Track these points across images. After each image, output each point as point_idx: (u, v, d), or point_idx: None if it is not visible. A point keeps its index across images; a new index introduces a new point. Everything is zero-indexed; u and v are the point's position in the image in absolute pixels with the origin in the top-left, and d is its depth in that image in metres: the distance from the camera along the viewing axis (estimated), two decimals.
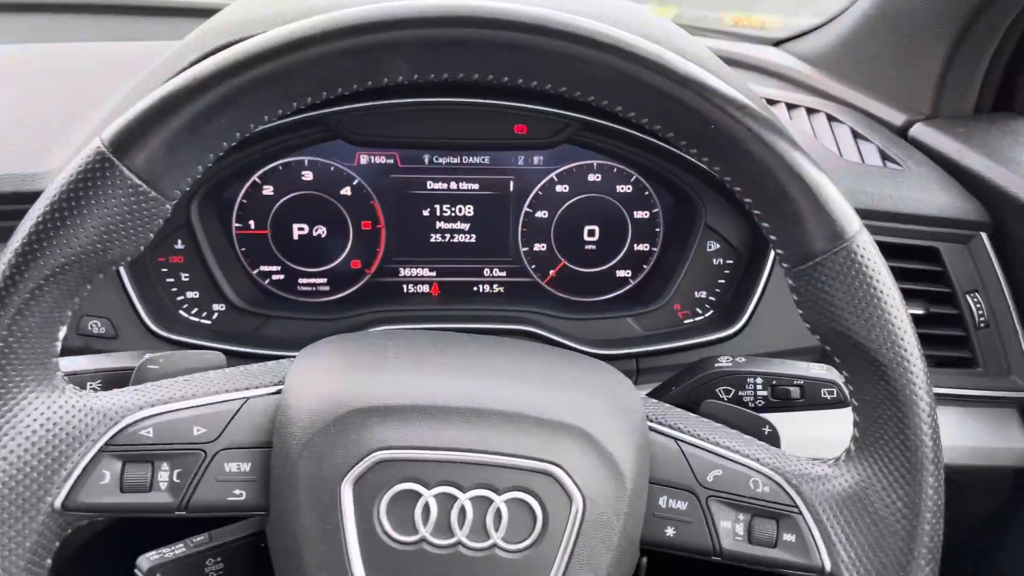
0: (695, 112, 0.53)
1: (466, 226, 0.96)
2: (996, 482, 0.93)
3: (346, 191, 0.93)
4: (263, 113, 0.53)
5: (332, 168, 0.92)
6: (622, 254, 0.98)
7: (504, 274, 0.98)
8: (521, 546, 0.54)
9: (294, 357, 0.62)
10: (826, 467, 0.59)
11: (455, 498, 0.54)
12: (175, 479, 0.56)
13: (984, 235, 0.90)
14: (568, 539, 0.55)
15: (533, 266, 0.98)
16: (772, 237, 0.56)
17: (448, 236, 0.96)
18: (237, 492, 0.57)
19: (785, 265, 0.57)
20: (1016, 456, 0.91)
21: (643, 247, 0.98)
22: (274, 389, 0.59)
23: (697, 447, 0.60)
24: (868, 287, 0.54)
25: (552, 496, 0.55)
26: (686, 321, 0.96)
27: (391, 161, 0.93)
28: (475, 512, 0.54)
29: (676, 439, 0.60)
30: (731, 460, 0.59)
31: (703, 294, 0.96)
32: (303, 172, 0.92)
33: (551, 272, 0.98)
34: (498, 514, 0.54)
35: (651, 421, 0.61)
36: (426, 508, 0.54)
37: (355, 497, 0.54)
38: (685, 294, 0.95)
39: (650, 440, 0.60)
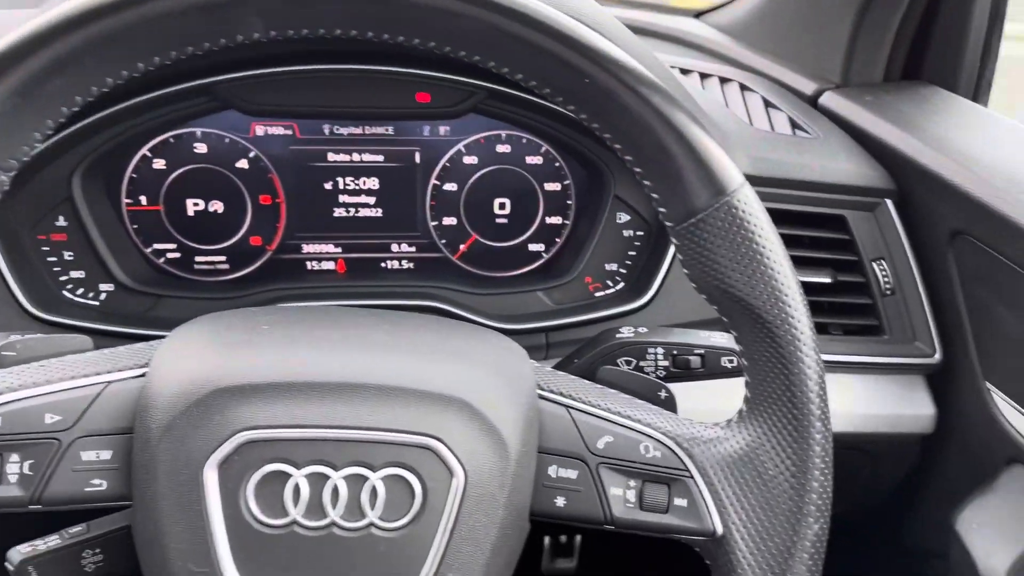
0: (569, 66, 0.51)
1: (371, 200, 0.93)
2: (904, 449, 0.94)
3: (242, 164, 0.89)
4: (104, 75, 0.49)
5: (227, 140, 0.88)
6: (534, 228, 0.96)
7: (413, 249, 0.95)
8: (399, 524, 0.52)
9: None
10: (718, 430, 0.58)
11: (327, 477, 0.51)
12: (26, 471, 0.52)
13: (890, 202, 0.90)
14: (449, 514, 0.53)
15: (443, 241, 0.95)
16: (654, 195, 0.55)
17: (352, 210, 0.93)
18: (96, 482, 0.53)
19: (668, 224, 0.56)
20: (923, 423, 0.91)
21: (555, 220, 0.96)
22: (139, 372, 0.55)
23: (588, 414, 0.58)
24: (751, 243, 0.53)
25: (431, 471, 0.53)
26: (597, 294, 0.94)
27: (289, 132, 0.89)
28: (349, 491, 0.52)
29: (567, 407, 0.58)
30: (622, 425, 0.58)
31: (614, 266, 0.94)
32: (195, 144, 0.88)
33: (462, 247, 0.95)
34: (374, 492, 0.52)
35: (542, 390, 0.59)
36: (296, 489, 0.51)
37: (220, 481, 0.51)
38: (596, 267, 0.94)
39: (540, 409, 0.58)
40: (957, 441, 0.90)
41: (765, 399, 0.56)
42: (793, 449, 0.55)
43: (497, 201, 0.94)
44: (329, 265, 0.94)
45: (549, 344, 0.91)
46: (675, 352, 0.72)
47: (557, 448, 0.58)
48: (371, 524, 0.52)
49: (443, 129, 0.92)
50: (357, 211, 0.93)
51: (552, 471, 0.57)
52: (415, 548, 0.52)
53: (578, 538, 1.51)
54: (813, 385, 0.55)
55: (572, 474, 0.57)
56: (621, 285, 0.94)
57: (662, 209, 0.56)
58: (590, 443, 0.58)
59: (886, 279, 0.89)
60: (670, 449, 0.57)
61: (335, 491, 0.51)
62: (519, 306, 0.93)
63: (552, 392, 0.59)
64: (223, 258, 0.92)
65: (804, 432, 0.55)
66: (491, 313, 0.91)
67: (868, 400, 0.91)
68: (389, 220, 0.93)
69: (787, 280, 0.54)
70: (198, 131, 0.88)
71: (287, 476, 0.51)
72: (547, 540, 1.50)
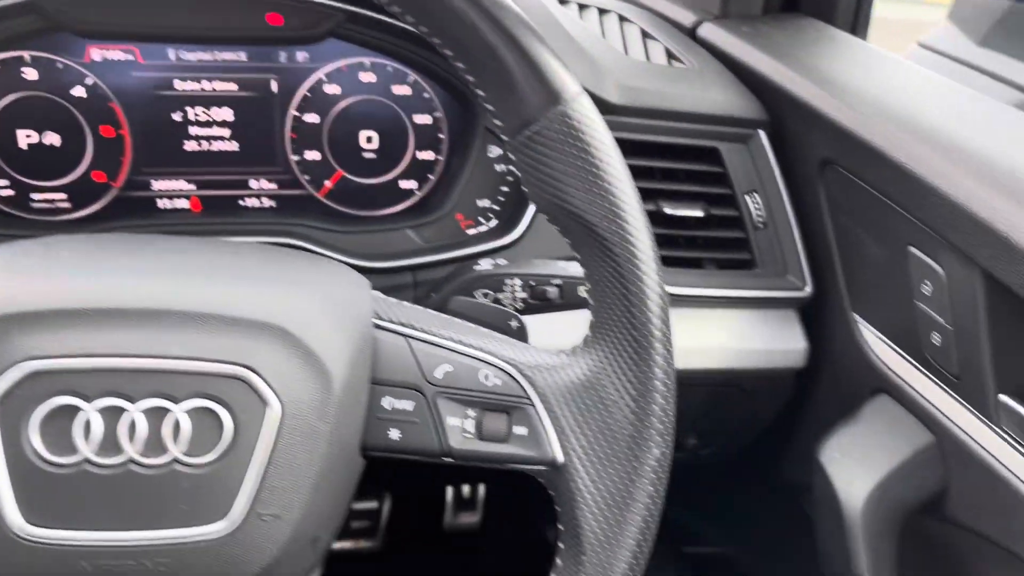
0: None
1: (226, 132, 0.87)
2: (778, 384, 0.93)
3: (79, 92, 0.82)
4: None
5: (60, 65, 0.81)
6: (405, 163, 0.91)
7: (274, 186, 0.90)
8: (206, 459, 0.48)
9: None
10: (563, 357, 0.56)
11: (123, 410, 0.47)
12: None
13: (762, 133, 0.89)
14: (264, 449, 0.49)
15: (306, 177, 0.90)
16: (489, 107, 0.52)
17: (205, 144, 0.86)
18: None
19: (504, 138, 0.53)
20: (795, 357, 0.91)
21: (427, 155, 0.92)
22: None
23: (428, 343, 0.55)
24: (587, 155, 0.51)
25: (243, 402, 0.49)
26: (469, 231, 0.91)
27: (130, 57, 0.82)
28: (149, 425, 0.47)
29: (406, 336, 0.55)
30: (462, 354, 0.55)
31: (486, 203, 0.90)
32: (24, 69, 0.80)
33: (327, 183, 0.90)
34: (177, 426, 0.48)
35: (380, 319, 0.55)
36: (87, 424, 0.47)
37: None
38: (467, 203, 0.90)
39: (376, 338, 0.54)
40: (828, 374, 0.90)
41: (607, 322, 0.54)
42: (634, 372, 0.53)
43: (364, 134, 0.89)
44: (182, 203, 0.88)
45: (417, 283, 0.87)
46: (532, 283, 0.70)
47: (392, 379, 0.54)
48: (174, 460, 0.48)
49: (301, 56, 0.86)
50: (211, 144, 0.87)
51: (386, 403, 0.54)
52: (224, 485, 0.48)
53: (481, 489, 1.49)
54: (653, 305, 0.53)
55: (408, 405, 0.54)
56: (494, 222, 0.91)
57: (498, 122, 0.53)
58: (428, 373, 0.55)
59: (758, 212, 0.88)
60: (511, 376, 0.55)
61: (132, 425, 0.47)
62: (386, 245, 0.89)
63: (390, 322, 0.56)
64: (63, 196, 0.85)
65: (644, 354, 0.53)
66: (355, 252, 0.87)
67: (742, 335, 0.90)
68: (246, 154, 0.88)
69: (625, 196, 0.52)
70: (26, 55, 0.80)
71: (76, 410, 0.47)
72: (450, 492, 1.48)
